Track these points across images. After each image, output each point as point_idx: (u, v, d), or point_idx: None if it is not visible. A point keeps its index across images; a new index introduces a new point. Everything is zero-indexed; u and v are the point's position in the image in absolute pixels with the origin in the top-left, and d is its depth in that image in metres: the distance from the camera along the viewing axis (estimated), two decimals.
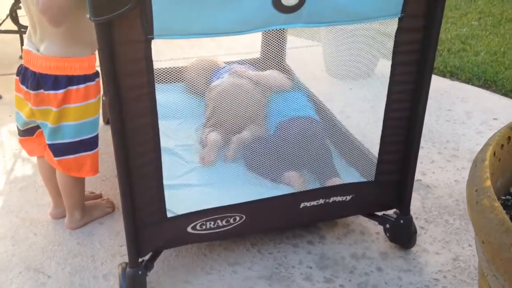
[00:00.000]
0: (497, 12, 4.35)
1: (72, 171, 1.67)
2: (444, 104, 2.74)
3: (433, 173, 2.14)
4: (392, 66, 1.38)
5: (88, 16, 1.07)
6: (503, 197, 0.97)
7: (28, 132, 1.71)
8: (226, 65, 2.29)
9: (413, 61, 1.38)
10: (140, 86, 1.19)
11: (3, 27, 3.26)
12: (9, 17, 3.10)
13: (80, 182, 1.77)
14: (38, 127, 1.67)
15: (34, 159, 2.01)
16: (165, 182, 1.35)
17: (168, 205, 1.40)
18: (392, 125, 1.48)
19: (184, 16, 1.12)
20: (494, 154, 0.87)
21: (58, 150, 1.62)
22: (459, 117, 2.60)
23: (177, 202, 1.44)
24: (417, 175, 2.11)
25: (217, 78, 2.13)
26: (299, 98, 2.04)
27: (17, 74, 1.62)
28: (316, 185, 1.68)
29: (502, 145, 0.93)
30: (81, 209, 1.80)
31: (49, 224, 1.84)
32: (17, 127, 1.73)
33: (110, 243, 1.74)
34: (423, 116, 1.46)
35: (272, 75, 2.05)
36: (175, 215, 1.44)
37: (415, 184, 2.05)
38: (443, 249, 1.70)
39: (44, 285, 1.56)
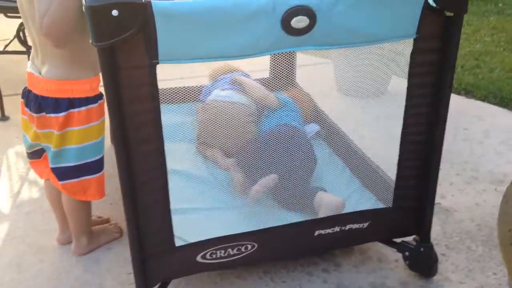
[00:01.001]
0: (510, 28, 4.29)
1: (77, 194, 1.63)
2: (460, 123, 2.67)
3: (453, 195, 2.06)
4: (408, 88, 1.33)
5: (90, 41, 1.04)
6: None
7: (35, 154, 1.68)
8: (230, 73, 2.22)
9: (429, 83, 1.32)
10: (145, 111, 1.15)
11: (10, 48, 3.27)
12: (16, 38, 3.11)
13: (86, 206, 1.73)
14: (44, 149, 1.64)
15: (41, 182, 1.98)
16: (173, 206, 1.30)
17: (176, 232, 1.34)
18: (409, 149, 1.41)
19: (189, 40, 1.08)
20: None
21: (62, 174, 1.59)
22: (476, 137, 2.52)
23: (186, 229, 1.39)
24: (436, 198, 2.01)
25: (215, 89, 2.08)
26: (289, 113, 1.98)
27: (22, 97, 1.60)
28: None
29: None
30: (88, 234, 1.76)
31: (56, 250, 1.79)
32: (26, 151, 1.71)
33: (118, 270, 1.69)
34: (442, 140, 1.39)
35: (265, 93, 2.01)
36: (184, 243, 1.39)
37: (435, 208, 1.97)
38: (467, 278, 1.61)
39: None
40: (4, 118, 2.81)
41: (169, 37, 1.07)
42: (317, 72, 3.09)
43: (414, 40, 1.25)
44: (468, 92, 3.06)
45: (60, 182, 1.59)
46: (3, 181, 2.25)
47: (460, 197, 2.04)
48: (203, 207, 1.65)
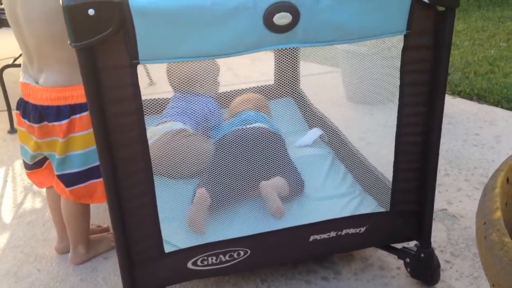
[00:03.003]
0: None
1: (84, 198, 1.63)
2: (471, 128, 2.59)
3: (460, 201, 1.99)
4: (401, 87, 1.28)
5: (68, 41, 1.03)
6: None
7: (37, 164, 1.68)
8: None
9: (423, 82, 1.28)
10: (127, 113, 1.13)
11: (19, 61, 3.31)
12: None
13: (85, 213, 1.72)
14: (46, 158, 1.64)
15: (45, 192, 1.98)
16: (161, 211, 1.27)
17: (165, 236, 1.31)
18: (405, 151, 1.36)
19: (169, 39, 1.06)
20: (508, 180, 0.75)
21: (69, 180, 1.58)
22: (488, 142, 2.45)
23: (175, 234, 1.36)
24: (443, 204, 1.97)
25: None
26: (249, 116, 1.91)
27: (17, 108, 1.60)
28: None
29: None
30: (85, 243, 1.74)
31: (54, 259, 1.78)
32: (24, 161, 1.70)
33: (114, 279, 1.66)
34: (439, 141, 1.34)
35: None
36: (174, 249, 1.35)
37: (440, 214, 1.91)
38: (471, 286, 1.54)
39: None
40: (13, 131, 2.84)
41: (148, 36, 1.05)
42: (325, 81, 3.05)
43: (405, 36, 1.21)
44: (480, 98, 2.98)
45: (68, 188, 1.59)
46: (8, 191, 2.26)
47: (468, 203, 1.97)
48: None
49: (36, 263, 1.76)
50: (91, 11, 1.00)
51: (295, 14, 1.09)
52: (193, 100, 1.91)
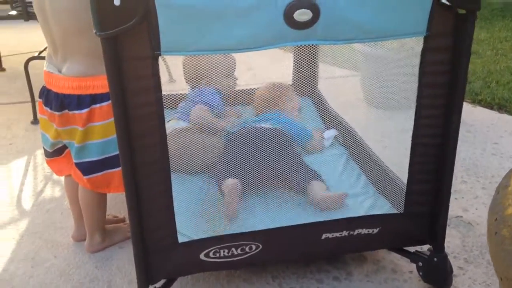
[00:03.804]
0: None
1: (101, 188, 1.66)
2: (490, 137, 2.57)
3: (476, 209, 1.97)
4: (419, 88, 1.29)
5: (94, 30, 1.06)
6: None
7: (57, 152, 1.72)
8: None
9: (442, 83, 1.28)
10: (147, 104, 1.16)
11: (44, 54, 3.38)
12: None
13: (103, 203, 1.75)
14: (65, 146, 1.68)
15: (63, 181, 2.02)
16: (176, 202, 1.29)
17: (180, 228, 1.34)
18: (421, 152, 1.36)
19: (191, 31, 1.08)
20: None
21: (86, 168, 1.62)
22: (507, 151, 2.42)
23: (189, 225, 1.38)
24: (459, 211, 1.96)
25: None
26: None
27: (40, 96, 1.64)
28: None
29: None
30: (101, 232, 1.77)
31: (70, 246, 1.82)
32: (44, 149, 1.75)
33: (128, 268, 1.69)
34: (455, 144, 1.33)
35: None
36: (187, 240, 1.38)
37: (456, 221, 1.90)
38: None
39: None
40: (36, 121, 2.90)
41: (171, 27, 1.08)
42: (344, 84, 3.05)
43: (425, 37, 1.22)
44: (501, 107, 2.95)
45: (85, 177, 1.63)
46: (29, 179, 2.31)
47: (484, 211, 1.95)
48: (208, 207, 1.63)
49: (53, 250, 1.80)
50: (116, 1, 1.03)
51: (315, 11, 1.10)
52: (198, 93, 1.92)
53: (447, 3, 1.17)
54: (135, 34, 1.08)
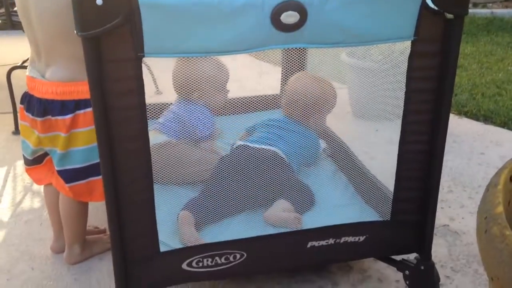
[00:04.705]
0: None
1: (83, 196, 1.62)
2: (476, 148, 2.58)
3: (463, 218, 1.96)
4: (406, 93, 1.27)
5: (75, 31, 1.03)
6: None
7: (36, 160, 1.67)
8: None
9: (429, 89, 1.27)
10: (130, 107, 1.12)
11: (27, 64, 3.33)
12: None
13: (83, 212, 1.70)
14: (46, 154, 1.63)
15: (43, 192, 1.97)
16: (158, 209, 1.25)
17: (161, 237, 1.29)
18: (408, 159, 1.35)
19: (175, 33, 1.06)
20: (511, 179, 0.73)
21: (69, 176, 1.57)
22: (493, 161, 2.42)
23: (171, 234, 1.33)
24: (445, 220, 1.95)
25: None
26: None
27: (21, 102, 1.60)
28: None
29: None
30: (81, 243, 1.72)
31: (48, 258, 1.76)
32: (24, 157, 1.70)
33: (108, 280, 1.64)
34: (443, 150, 1.32)
35: None
36: (169, 249, 1.33)
37: (442, 230, 1.88)
38: None
39: None
40: (17, 132, 2.84)
41: (155, 29, 1.05)
42: None
43: (412, 42, 1.21)
44: (487, 119, 2.97)
45: (67, 185, 1.58)
46: (8, 190, 2.25)
47: (471, 220, 1.94)
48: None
49: (31, 262, 1.74)
50: (99, 1, 1.00)
51: (303, 14, 1.09)
52: (187, 111, 1.83)
53: (435, 8, 1.16)
54: (117, 35, 1.05)
